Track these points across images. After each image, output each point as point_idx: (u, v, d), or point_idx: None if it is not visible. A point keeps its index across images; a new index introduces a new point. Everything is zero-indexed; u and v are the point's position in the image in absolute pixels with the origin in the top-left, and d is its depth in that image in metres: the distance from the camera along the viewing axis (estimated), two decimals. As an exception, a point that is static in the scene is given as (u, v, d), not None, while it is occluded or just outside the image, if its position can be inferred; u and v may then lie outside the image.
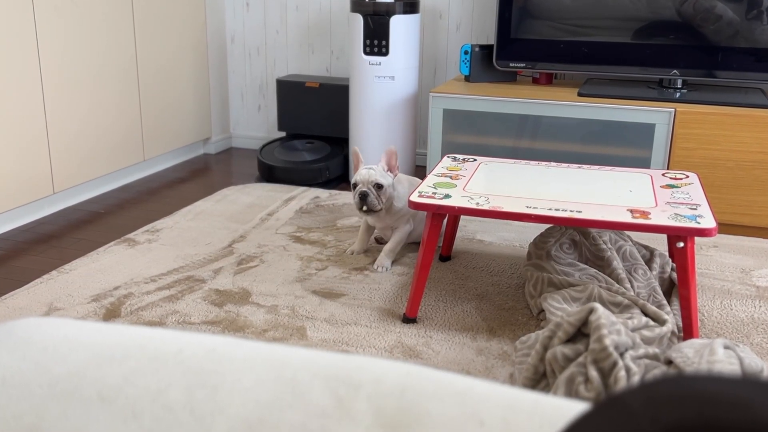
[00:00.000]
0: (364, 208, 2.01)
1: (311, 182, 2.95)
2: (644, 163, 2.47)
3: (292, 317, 1.82)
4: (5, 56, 2.31)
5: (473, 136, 2.65)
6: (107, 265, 2.11)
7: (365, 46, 2.78)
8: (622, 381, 1.22)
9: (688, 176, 1.93)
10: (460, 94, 2.62)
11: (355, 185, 2.03)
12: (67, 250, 2.29)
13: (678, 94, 2.55)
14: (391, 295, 1.94)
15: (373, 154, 2.87)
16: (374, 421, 0.50)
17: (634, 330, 1.47)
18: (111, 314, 1.83)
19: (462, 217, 2.47)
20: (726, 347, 1.31)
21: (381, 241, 2.27)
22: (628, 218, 1.58)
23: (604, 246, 1.89)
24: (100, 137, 2.76)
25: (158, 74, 3.04)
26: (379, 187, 2.00)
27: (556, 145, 2.56)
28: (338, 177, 3.04)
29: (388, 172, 2.05)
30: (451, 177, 1.89)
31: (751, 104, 2.41)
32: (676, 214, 1.61)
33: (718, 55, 2.53)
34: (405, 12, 2.76)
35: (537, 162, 2.05)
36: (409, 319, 1.80)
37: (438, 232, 1.73)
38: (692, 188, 1.82)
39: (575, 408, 0.52)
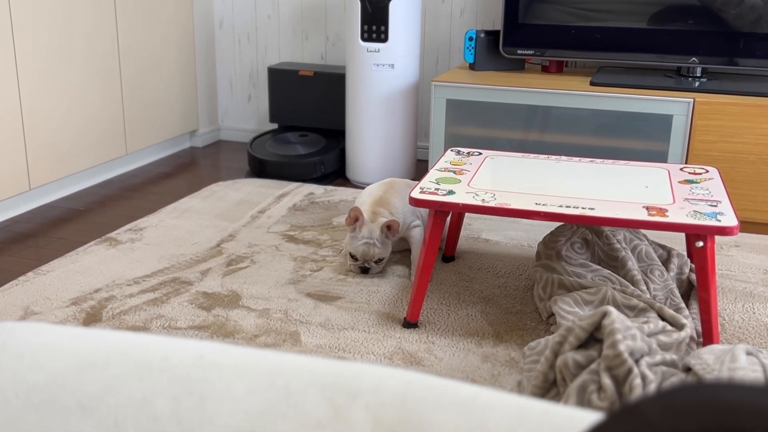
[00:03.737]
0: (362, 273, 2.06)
1: (305, 177, 2.95)
2: (661, 156, 2.47)
3: (285, 322, 1.82)
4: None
5: (478, 128, 2.65)
6: (87, 266, 2.12)
7: (363, 31, 2.78)
8: (637, 389, 1.22)
9: (707, 171, 1.93)
10: (465, 84, 2.62)
11: (354, 256, 2.02)
12: (45, 250, 2.29)
13: (697, 83, 2.55)
14: (390, 297, 1.95)
15: (371, 148, 2.87)
16: (373, 433, 0.51)
17: (650, 335, 1.47)
18: (91, 318, 1.83)
19: (466, 214, 2.48)
20: (748, 353, 1.31)
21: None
22: (643, 216, 1.58)
23: (618, 245, 1.89)
24: (79, 129, 2.76)
25: (141, 62, 3.04)
26: (379, 260, 2.02)
27: (567, 138, 2.57)
28: (334, 172, 3.04)
29: (389, 234, 2.01)
30: (454, 172, 1.89)
31: (775, 94, 2.41)
32: (695, 211, 1.61)
33: (740, 42, 2.53)
34: (405, -5, 2.75)
35: (547, 156, 2.05)
36: (409, 324, 1.80)
37: (441, 231, 1.73)
38: (712, 184, 1.82)
39: (588, 418, 0.52)
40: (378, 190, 2.12)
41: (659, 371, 1.31)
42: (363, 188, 2.90)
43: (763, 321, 1.84)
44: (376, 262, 2.02)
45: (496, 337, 1.75)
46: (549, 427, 0.51)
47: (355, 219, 2.00)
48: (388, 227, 1.99)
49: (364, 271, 2.04)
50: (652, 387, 1.25)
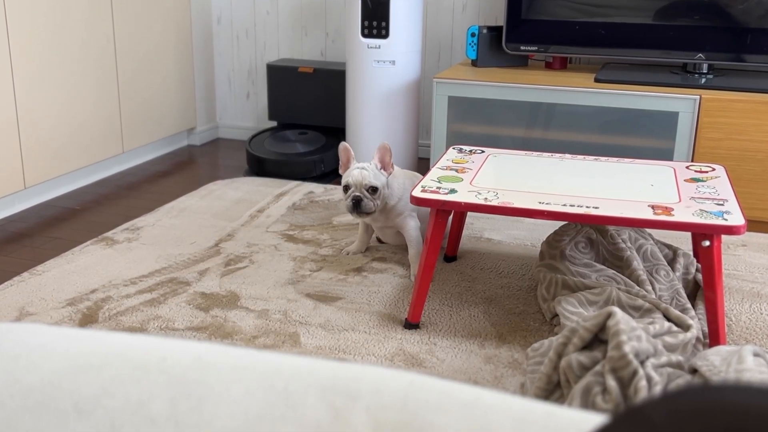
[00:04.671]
0: (356, 213, 2.01)
1: (305, 176, 2.95)
2: (667, 154, 2.47)
3: (284, 323, 1.82)
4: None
5: (481, 125, 2.65)
6: (83, 266, 2.12)
7: (363, 27, 2.78)
8: (642, 391, 1.22)
9: (714, 169, 1.93)
10: (467, 80, 2.62)
11: (347, 187, 2.01)
12: (40, 249, 2.29)
13: (703, 80, 2.55)
14: (391, 298, 1.95)
15: (371, 146, 2.87)
16: (374, 435, 0.51)
17: (655, 336, 1.47)
18: (88, 319, 1.83)
19: (469, 213, 2.48)
20: (756, 354, 1.31)
21: (382, 241, 2.27)
22: (649, 215, 1.58)
23: (623, 245, 1.89)
24: (75, 127, 2.76)
25: (138, 58, 3.04)
26: (373, 190, 1.99)
27: (571, 136, 2.56)
28: (334, 170, 3.04)
29: (382, 171, 2.02)
30: (456, 170, 1.89)
31: (782, 91, 2.41)
32: (701, 210, 1.61)
33: (747, 38, 2.52)
34: (406, -9, 2.75)
35: (550, 154, 2.05)
36: (411, 325, 1.80)
37: (442, 230, 1.73)
38: (719, 182, 1.82)
39: (592, 421, 0.52)
40: None
41: (665, 373, 1.31)
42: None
43: (770, 322, 1.83)
44: (368, 192, 1.98)
45: (498, 338, 1.75)
46: (552, 430, 0.51)
47: (347, 160, 2.06)
48: (381, 161, 2.02)
49: (356, 203, 1.98)
50: (658, 389, 1.25)
